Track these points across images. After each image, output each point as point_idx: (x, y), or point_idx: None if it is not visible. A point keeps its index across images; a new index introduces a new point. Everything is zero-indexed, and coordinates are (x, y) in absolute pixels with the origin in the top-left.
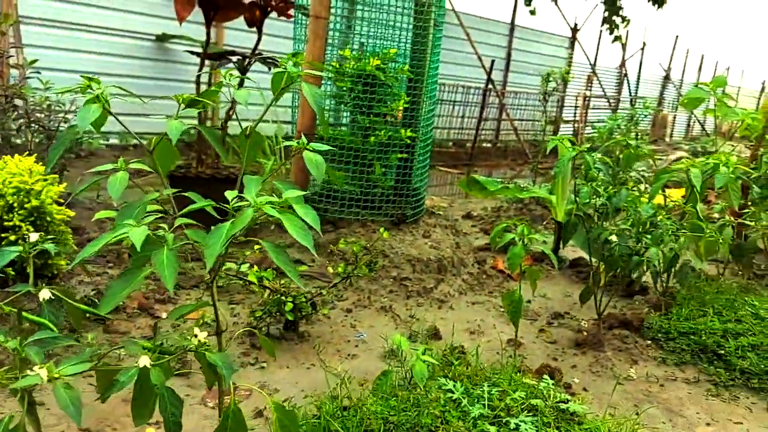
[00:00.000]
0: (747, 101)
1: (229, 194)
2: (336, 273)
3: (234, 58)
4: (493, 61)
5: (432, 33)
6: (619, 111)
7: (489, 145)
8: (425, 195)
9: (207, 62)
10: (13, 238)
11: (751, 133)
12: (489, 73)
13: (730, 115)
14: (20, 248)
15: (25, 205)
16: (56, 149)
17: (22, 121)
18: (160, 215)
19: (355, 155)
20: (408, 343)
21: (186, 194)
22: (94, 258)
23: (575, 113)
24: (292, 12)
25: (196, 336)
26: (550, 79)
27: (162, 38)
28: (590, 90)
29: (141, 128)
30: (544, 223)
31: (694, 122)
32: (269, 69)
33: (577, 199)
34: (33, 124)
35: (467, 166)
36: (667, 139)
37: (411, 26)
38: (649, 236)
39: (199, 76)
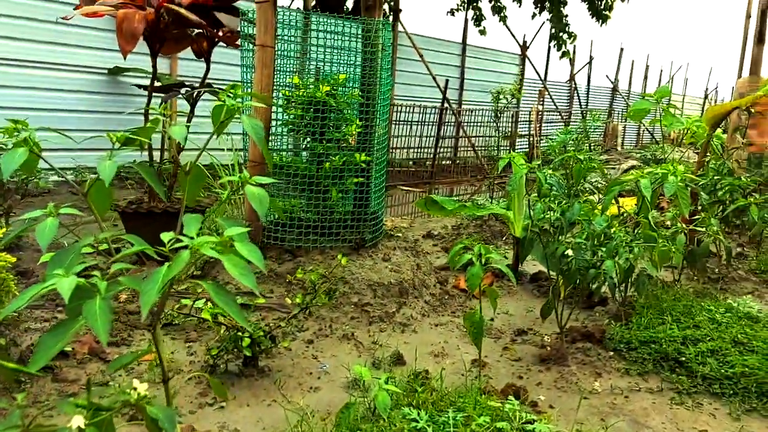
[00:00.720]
0: (692, 108)
1: (165, 236)
2: (295, 303)
3: (182, 90)
4: (447, 81)
5: (380, 57)
6: (571, 123)
7: (449, 162)
8: (383, 217)
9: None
10: None
11: (696, 140)
12: (444, 92)
13: (675, 124)
14: None
15: None
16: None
17: None
18: (106, 257)
19: (310, 182)
20: (370, 372)
21: (125, 236)
22: (42, 303)
23: (530, 127)
24: (240, 42)
25: (135, 389)
26: (501, 97)
27: (115, 72)
28: (542, 104)
29: (95, 163)
30: (504, 238)
31: (644, 130)
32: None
33: (532, 214)
34: None
35: (428, 184)
36: (619, 148)
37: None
38: (603, 249)
39: (147, 110)
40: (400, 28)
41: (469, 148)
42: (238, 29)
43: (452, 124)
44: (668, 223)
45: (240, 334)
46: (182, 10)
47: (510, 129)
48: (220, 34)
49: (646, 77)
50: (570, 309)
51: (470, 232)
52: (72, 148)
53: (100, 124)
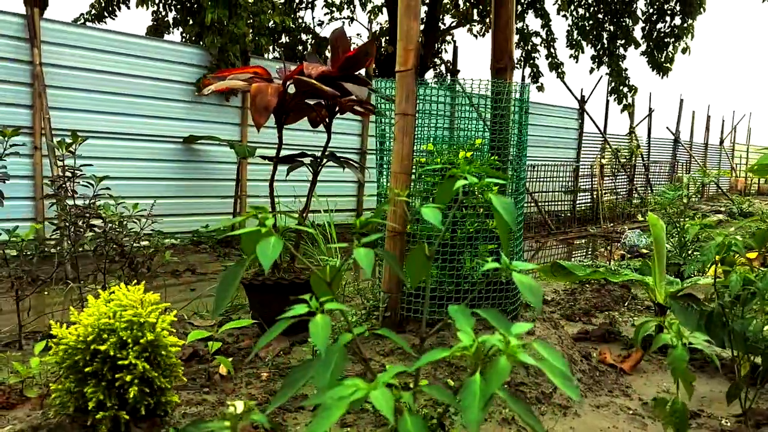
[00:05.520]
0: (756, 158)
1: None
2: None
3: (306, 160)
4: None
5: (512, 120)
6: (635, 177)
7: None
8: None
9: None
10: (128, 378)
11: None
12: None
13: None
14: None
15: (140, 341)
16: (226, 290)
17: (98, 242)
18: None
19: (443, 249)
20: None
21: None
22: (186, 383)
23: (592, 181)
24: (358, 108)
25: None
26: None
27: (189, 140)
28: (603, 157)
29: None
30: (626, 304)
31: (710, 182)
32: (342, 168)
33: (728, 288)
34: (110, 245)
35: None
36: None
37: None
38: None
39: (272, 182)
40: (458, 88)
41: (531, 204)
42: (363, 98)
43: None
44: None
45: None
46: (316, 83)
47: (570, 183)
48: (343, 101)
49: (707, 128)
50: (746, 388)
51: (587, 297)
52: (158, 213)
53: (181, 191)
